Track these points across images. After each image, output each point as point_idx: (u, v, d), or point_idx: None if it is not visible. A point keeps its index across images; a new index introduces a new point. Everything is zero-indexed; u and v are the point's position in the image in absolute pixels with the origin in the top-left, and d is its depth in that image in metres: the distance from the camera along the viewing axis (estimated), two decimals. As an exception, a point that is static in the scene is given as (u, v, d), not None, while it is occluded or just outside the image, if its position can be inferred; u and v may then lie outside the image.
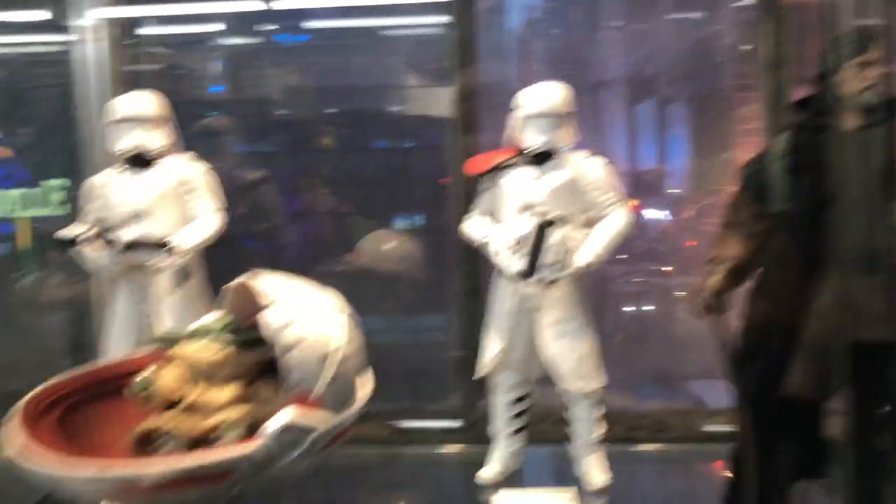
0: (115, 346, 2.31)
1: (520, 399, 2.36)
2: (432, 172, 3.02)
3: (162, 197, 2.31)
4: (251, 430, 1.56)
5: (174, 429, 1.53)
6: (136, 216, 2.27)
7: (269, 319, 1.51)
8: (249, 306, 1.70)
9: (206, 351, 1.61)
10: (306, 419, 1.46)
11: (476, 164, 2.32)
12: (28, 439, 1.42)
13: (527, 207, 2.20)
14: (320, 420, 1.48)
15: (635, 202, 2.55)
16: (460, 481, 2.66)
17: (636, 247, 3.06)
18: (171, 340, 1.70)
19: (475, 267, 2.71)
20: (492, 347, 2.29)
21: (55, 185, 2.73)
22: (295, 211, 3.17)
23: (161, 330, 1.78)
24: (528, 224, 2.10)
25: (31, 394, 1.56)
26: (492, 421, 2.40)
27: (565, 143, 2.24)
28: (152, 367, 1.60)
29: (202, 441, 1.55)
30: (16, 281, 3.04)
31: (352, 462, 2.43)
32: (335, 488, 2.41)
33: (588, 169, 2.24)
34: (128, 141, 2.30)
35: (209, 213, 2.36)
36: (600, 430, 2.32)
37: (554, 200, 2.19)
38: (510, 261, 2.11)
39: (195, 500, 1.44)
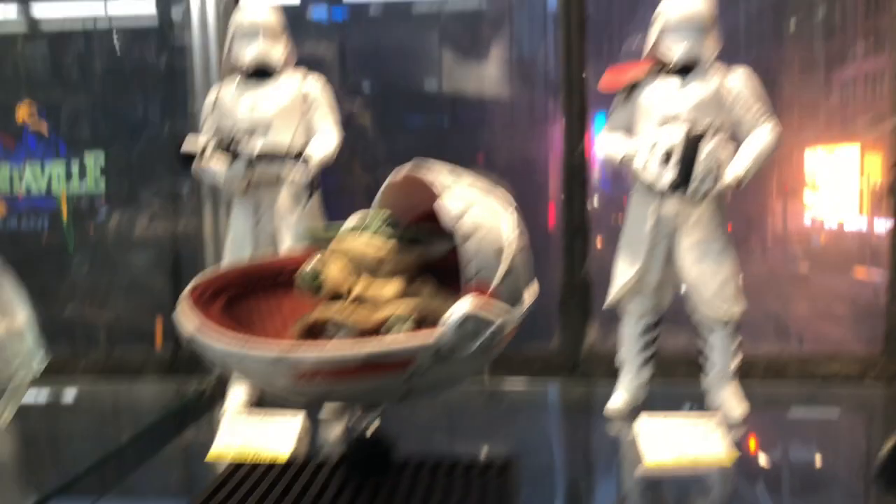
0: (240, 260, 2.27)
1: (650, 327, 2.27)
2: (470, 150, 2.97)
3: (284, 110, 2.24)
4: (418, 325, 1.50)
5: (346, 320, 1.46)
6: (259, 129, 2.21)
7: (448, 205, 1.42)
8: (409, 200, 1.62)
9: (370, 245, 1.53)
10: (486, 310, 1.38)
11: (611, 79, 2.21)
12: (204, 319, 1.37)
13: (669, 120, 2.09)
14: (498, 312, 1.40)
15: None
16: (576, 416, 2.59)
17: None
18: (325, 237, 1.63)
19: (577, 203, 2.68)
20: (625, 272, 2.19)
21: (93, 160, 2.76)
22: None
23: (312, 228, 1.70)
24: (678, 134, 1.98)
25: (193, 283, 1.51)
26: (619, 350, 2.31)
27: (709, 53, 2.13)
28: (317, 259, 1.53)
29: (371, 334, 1.48)
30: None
31: (458, 399, 2.39)
32: (453, 424, 2.36)
33: (733, 82, 2.11)
34: (254, 50, 2.24)
35: (330, 127, 2.30)
36: (737, 359, 2.22)
37: (699, 113, 2.08)
38: (659, 173, 2.00)
39: (369, 391, 1.37)
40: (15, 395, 1.86)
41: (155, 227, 3.03)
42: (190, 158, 2.24)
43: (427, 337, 1.36)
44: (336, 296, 1.49)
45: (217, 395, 2.65)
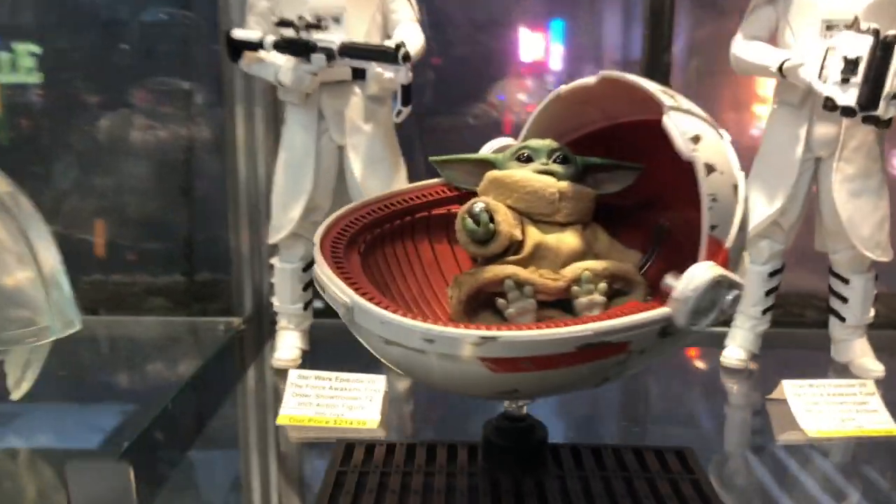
0: (297, 188, 1.85)
1: (776, 272, 1.96)
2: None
3: None
4: (609, 286, 1.15)
5: (534, 281, 1.09)
6: (329, 18, 1.74)
7: (681, 126, 1.05)
8: (565, 123, 1.25)
9: (546, 184, 1.16)
10: (729, 275, 1.04)
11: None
12: (358, 284, 0.99)
13: (836, 25, 1.72)
14: (735, 276, 1.06)
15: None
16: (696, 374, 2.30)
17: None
18: (485, 164, 1.24)
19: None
20: (762, 206, 1.86)
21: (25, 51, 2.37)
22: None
23: (443, 157, 1.29)
24: (864, 41, 1.61)
25: (322, 230, 1.11)
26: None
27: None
28: (483, 198, 1.14)
29: (555, 298, 1.12)
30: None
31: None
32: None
33: None
34: None
35: (412, 18, 1.85)
36: (872, 311, 1.95)
37: (874, 16, 1.70)
38: (834, 90, 1.64)
39: (574, 379, 1.03)
40: (36, 359, 1.46)
41: (155, 132, 2.56)
42: (240, 48, 1.78)
43: (661, 310, 1.01)
44: (503, 243, 1.13)
45: (248, 336, 2.30)
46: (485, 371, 0.95)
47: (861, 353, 1.93)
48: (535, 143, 1.21)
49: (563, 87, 1.21)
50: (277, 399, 1.84)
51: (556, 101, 1.24)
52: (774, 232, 1.89)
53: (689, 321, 1.02)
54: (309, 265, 1.99)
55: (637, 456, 1.33)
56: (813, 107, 1.79)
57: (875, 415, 1.65)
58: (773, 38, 1.87)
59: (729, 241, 1.06)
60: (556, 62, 2.62)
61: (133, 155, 2.58)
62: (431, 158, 1.28)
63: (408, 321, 0.93)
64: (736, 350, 1.98)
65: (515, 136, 1.34)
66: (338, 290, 0.97)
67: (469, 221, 1.10)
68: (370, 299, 0.96)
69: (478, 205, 1.11)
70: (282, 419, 1.64)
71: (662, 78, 2.47)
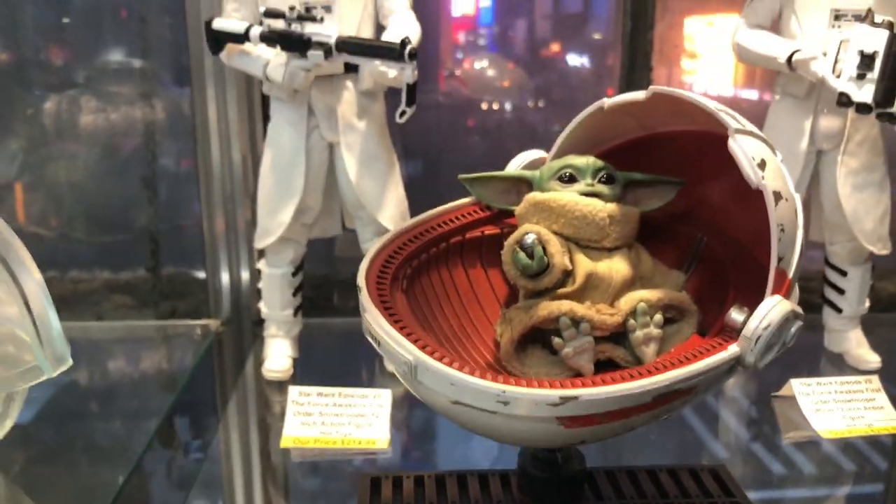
0: (287, 190, 1.73)
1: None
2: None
3: None
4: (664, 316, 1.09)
5: (592, 319, 1.02)
6: (322, 8, 1.60)
7: (749, 151, 0.98)
8: (596, 136, 1.17)
9: (595, 208, 1.08)
10: (795, 309, 0.99)
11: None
12: (424, 343, 0.90)
13: (846, 15, 1.68)
14: (798, 308, 1.02)
15: None
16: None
17: None
18: (525, 183, 1.15)
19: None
20: None
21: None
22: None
23: (471, 175, 1.19)
24: (880, 36, 1.57)
25: (366, 263, 1.02)
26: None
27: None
28: (530, 226, 1.06)
29: (610, 333, 1.06)
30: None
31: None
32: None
33: None
34: None
35: (406, 8, 1.72)
36: (867, 302, 1.96)
37: (883, 6, 1.67)
38: (849, 86, 1.60)
39: (635, 424, 0.97)
40: (19, 393, 1.32)
41: (108, 115, 2.37)
42: (223, 40, 1.63)
43: (731, 349, 0.96)
44: (554, 276, 1.05)
45: (228, 340, 2.18)
46: (557, 428, 0.89)
47: (857, 344, 1.95)
48: (578, 161, 1.13)
49: (608, 101, 1.13)
50: (271, 412, 1.75)
51: (597, 114, 1.16)
52: None
53: (758, 358, 0.97)
54: (298, 269, 1.88)
55: (672, 476, 1.29)
56: (819, 99, 1.76)
57: (882, 412, 1.67)
58: (775, 27, 1.83)
59: (791, 271, 1.01)
60: (487, 16, 2.55)
61: (88, 141, 2.39)
62: (461, 177, 1.19)
63: (481, 382, 0.85)
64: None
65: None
66: (398, 346, 0.88)
67: (522, 256, 1.02)
68: (434, 356, 0.87)
69: (529, 236, 1.02)
70: (286, 441, 1.54)
71: (644, 58, 2.42)
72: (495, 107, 2.56)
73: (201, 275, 2.31)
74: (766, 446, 1.67)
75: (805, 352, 2.07)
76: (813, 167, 1.82)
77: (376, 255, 1.05)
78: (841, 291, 1.93)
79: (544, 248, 1.02)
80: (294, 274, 1.86)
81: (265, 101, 1.96)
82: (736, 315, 0.99)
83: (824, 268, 1.97)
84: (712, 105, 1.03)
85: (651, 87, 1.09)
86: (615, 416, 0.90)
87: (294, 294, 1.88)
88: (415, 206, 1.84)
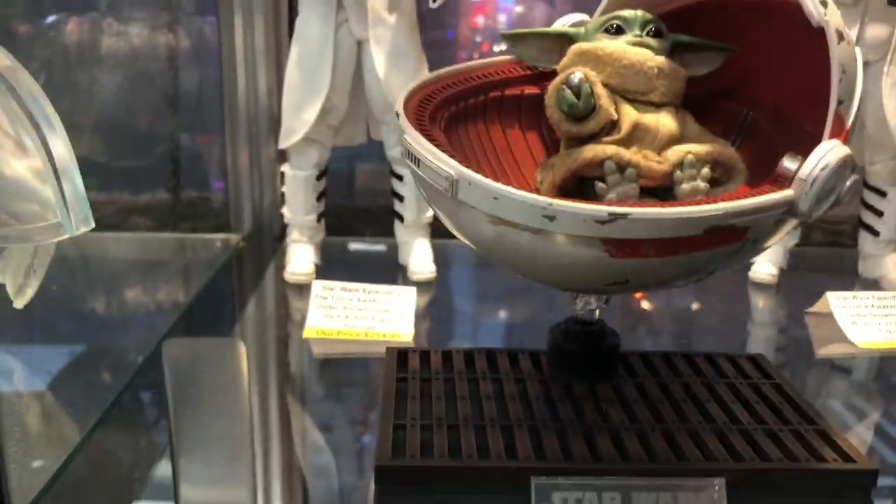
0: (313, 86, 1.68)
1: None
2: None
3: None
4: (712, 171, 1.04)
5: (638, 163, 0.98)
6: None
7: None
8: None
9: (643, 54, 1.03)
10: (851, 157, 0.94)
11: None
12: (461, 158, 0.86)
13: None
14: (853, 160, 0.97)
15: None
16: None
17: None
18: (569, 38, 1.11)
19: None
20: None
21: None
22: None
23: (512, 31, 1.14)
24: None
25: (405, 96, 0.98)
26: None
27: None
28: (580, 69, 1.01)
29: (656, 183, 1.01)
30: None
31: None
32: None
33: None
34: None
35: None
36: (904, 226, 1.90)
37: None
38: None
39: (681, 270, 0.93)
40: (39, 264, 1.29)
41: (131, 39, 2.34)
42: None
43: (786, 192, 0.91)
44: (600, 121, 1.01)
45: (249, 254, 2.15)
46: (602, 256, 0.85)
47: (895, 268, 1.89)
48: (626, 13, 1.08)
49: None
50: (291, 317, 1.72)
51: (643, -30, 1.11)
52: None
53: (813, 205, 0.92)
54: (322, 173, 1.85)
55: (710, 362, 1.25)
56: (867, 7, 1.69)
57: (922, 326, 1.62)
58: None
59: (850, 119, 0.96)
60: None
61: (111, 63, 2.36)
62: (502, 32, 1.14)
63: (529, 195, 0.81)
64: (766, 265, 1.92)
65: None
66: (439, 162, 0.84)
67: (569, 94, 0.98)
68: (477, 172, 0.83)
69: (576, 75, 0.98)
70: (308, 332, 1.51)
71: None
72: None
73: (221, 197, 2.28)
74: (805, 359, 1.63)
75: (838, 281, 2.02)
76: (856, 80, 1.76)
77: (414, 91, 1.01)
78: (879, 214, 1.88)
79: (591, 89, 0.98)
80: (318, 178, 1.83)
81: (292, 13, 1.92)
82: (789, 164, 0.94)
83: (862, 190, 1.91)
84: None
85: None
86: (664, 249, 0.86)
87: (318, 199, 1.85)
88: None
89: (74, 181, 1.22)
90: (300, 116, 1.72)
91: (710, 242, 0.89)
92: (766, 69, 1.16)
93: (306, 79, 1.69)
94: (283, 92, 1.76)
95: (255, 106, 2.16)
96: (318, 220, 1.87)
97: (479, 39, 2.52)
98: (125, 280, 1.94)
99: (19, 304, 1.32)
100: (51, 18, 2.33)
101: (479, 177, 0.82)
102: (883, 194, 1.86)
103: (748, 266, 1.95)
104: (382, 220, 2.08)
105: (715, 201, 0.87)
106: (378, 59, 1.67)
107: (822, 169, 0.91)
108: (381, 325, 1.53)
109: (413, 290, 1.59)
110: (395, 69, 1.68)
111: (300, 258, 1.82)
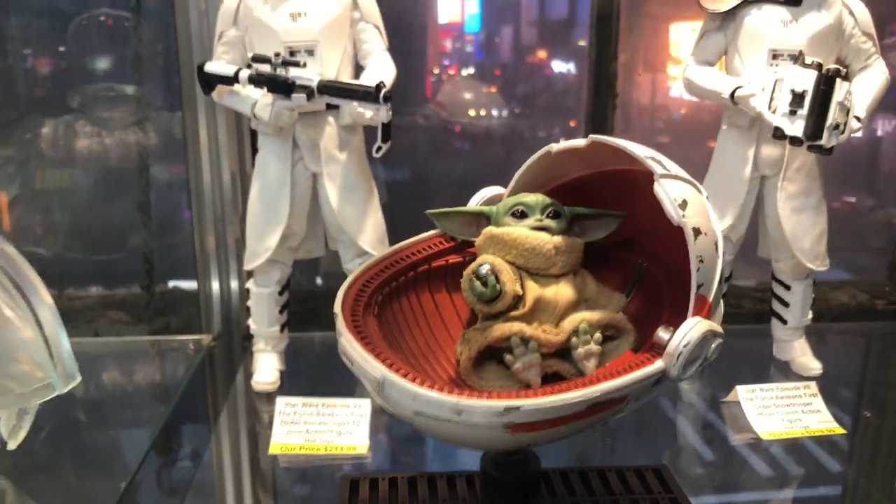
0: (274, 217, 1.87)
1: (726, 279, 2.12)
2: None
3: (333, 25, 1.77)
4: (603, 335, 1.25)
5: (539, 337, 1.18)
6: (305, 52, 1.75)
7: (670, 192, 1.14)
8: (544, 176, 1.33)
9: (542, 241, 1.23)
10: (714, 327, 1.15)
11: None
12: (387, 358, 1.05)
13: (783, 54, 1.85)
14: (718, 327, 1.17)
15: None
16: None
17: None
18: (484, 218, 1.31)
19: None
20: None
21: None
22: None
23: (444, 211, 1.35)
24: (809, 76, 1.74)
25: (342, 293, 1.17)
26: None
27: (825, -21, 1.87)
28: (486, 257, 1.21)
29: (556, 350, 1.21)
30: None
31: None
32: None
33: (855, 11, 1.88)
34: None
35: (382, 51, 1.88)
36: (810, 314, 2.13)
37: (817, 46, 1.84)
38: (782, 121, 1.77)
39: (574, 430, 1.12)
40: (32, 406, 1.46)
41: (102, 139, 2.51)
42: (214, 82, 1.78)
43: (657, 364, 1.12)
44: (507, 300, 1.21)
45: (218, 354, 2.32)
46: (505, 434, 1.04)
47: (801, 353, 2.11)
48: (528, 198, 1.28)
49: (554, 146, 1.29)
50: (260, 422, 1.89)
51: (546, 157, 1.31)
52: (724, 244, 2.04)
53: (681, 372, 1.13)
54: (284, 288, 2.03)
55: (619, 476, 1.45)
56: (760, 130, 1.92)
57: (818, 415, 1.83)
58: (723, 63, 1.99)
59: (711, 296, 1.17)
60: (473, 24, 2.69)
61: (82, 164, 2.53)
62: (428, 212, 1.34)
63: (438, 395, 1.00)
64: None
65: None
66: (368, 365, 1.04)
67: (477, 284, 1.18)
68: (399, 373, 1.03)
69: (483, 267, 1.18)
70: (274, 448, 1.69)
71: (609, 87, 2.58)
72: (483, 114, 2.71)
73: (192, 289, 2.45)
74: (714, 449, 1.84)
75: (757, 359, 2.24)
76: (757, 191, 1.99)
77: (351, 284, 1.20)
78: (786, 304, 2.10)
79: (497, 277, 1.18)
80: (280, 293, 2.01)
81: (253, 131, 2.11)
82: (662, 334, 1.15)
83: (771, 282, 2.13)
84: (642, 152, 1.19)
85: (591, 136, 1.25)
86: (555, 423, 1.06)
87: (280, 311, 2.03)
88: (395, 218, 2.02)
89: (60, 343, 1.40)
90: (263, 243, 1.90)
91: (593, 411, 1.09)
92: (655, 227, 1.37)
93: (267, 210, 1.88)
94: (247, 220, 1.94)
95: (220, 202, 2.34)
96: (282, 329, 2.05)
97: (446, 63, 2.73)
98: (99, 395, 2.10)
99: (13, 445, 1.50)
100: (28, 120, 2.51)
101: (399, 379, 1.02)
102: (787, 287, 2.08)
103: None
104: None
105: (595, 382, 1.07)
106: (332, 192, 1.86)
107: (685, 345, 1.11)
108: (339, 439, 1.70)
109: (368, 402, 1.77)
110: (347, 200, 1.88)
111: (265, 367, 2.00)
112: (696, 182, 1.23)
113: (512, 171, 1.37)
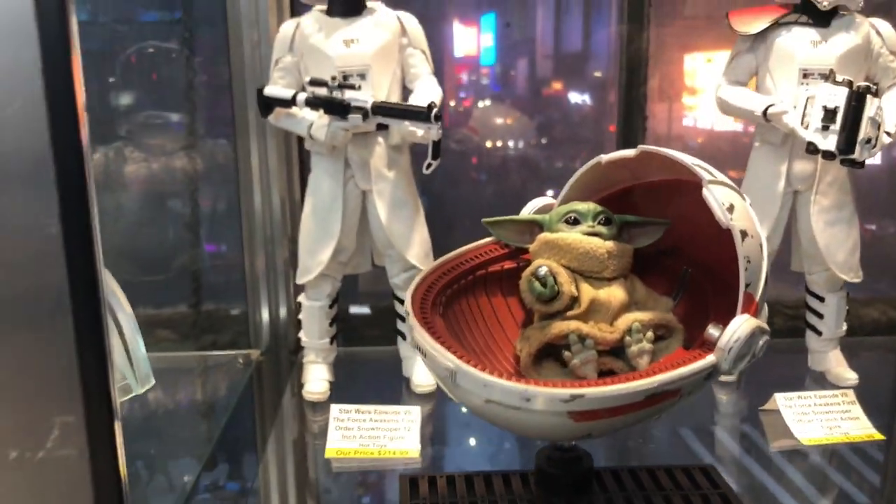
0: (326, 233, 1.96)
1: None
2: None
3: (384, 50, 1.88)
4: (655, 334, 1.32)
5: (594, 335, 1.25)
6: (355, 74, 1.86)
7: (721, 198, 1.21)
8: (594, 187, 1.41)
9: (596, 245, 1.31)
10: (762, 325, 1.21)
11: (744, 20, 2.01)
12: (457, 351, 1.13)
13: (814, 72, 1.93)
14: (765, 325, 1.24)
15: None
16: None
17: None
18: (538, 225, 1.39)
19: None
20: None
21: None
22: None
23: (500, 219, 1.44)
24: (841, 93, 1.82)
25: (411, 293, 1.25)
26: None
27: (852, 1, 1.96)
28: (543, 261, 1.29)
29: (610, 347, 1.28)
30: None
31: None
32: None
33: (882, 31, 1.96)
34: None
35: (429, 74, 1.97)
36: (844, 326, 2.17)
37: (846, 65, 1.92)
38: (815, 136, 1.84)
39: (632, 421, 1.19)
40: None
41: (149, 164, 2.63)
42: (272, 105, 1.89)
43: (709, 358, 1.18)
44: (564, 301, 1.28)
45: (267, 368, 2.40)
46: (568, 422, 1.11)
47: (836, 364, 2.16)
48: (580, 206, 1.36)
49: (605, 157, 1.37)
50: (309, 430, 1.96)
51: (596, 167, 1.40)
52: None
53: (732, 366, 1.19)
54: (334, 301, 2.11)
55: (669, 474, 1.50)
56: (793, 146, 1.99)
57: (857, 421, 1.88)
58: (755, 83, 2.07)
59: (758, 294, 1.24)
60: (489, 56, 2.77)
61: (137, 188, 2.64)
62: (484, 220, 1.43)
63: (508, 383, 1.08)
64: None
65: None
66: (441, 356, 1.11)
67: (537, 284, 1.26)
68: (470, 363, 1.10)
69: (542, 268, 1.26)
70: (329, 452, 1.76)
71: (640, 108, 2.67)
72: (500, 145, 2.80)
73: (239, 311, 2.54)
74: (755, 454, 1.88)
75: (792, 371, 2.29)
76: (790, 206, 2.05)
77: (418, 285, 1.28)
78: (820, 316, 2.15)
79: (555, 279, 1.26)
80: (331, 306, 2.09)
81: (302, 152, 2.21)
82: (713, 331, 1.22)
83: (805, 295, 2.19)
84: (689, 160, 1.27)
85: (640, 146, 1.33)
86: (615, 412, 1.12)
87: (331, 324, 2.11)
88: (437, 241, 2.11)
89: (138, 347, 1.49)
90: (315, 258, 1.99)
91: (650, 403, 1.15)
92: (698, 234, 1.44)
93: (320, 226, 1.97)
94: (300, 237, 2.03)
95: (270, 224, 2.43)
96: (331, 342, 2.13)
97: (462, 95, 2.82)
98: (155, 408, 2.18)
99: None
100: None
101: (472, 369, 1.09)
102: (822, 299, 2.14)
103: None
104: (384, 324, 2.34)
105: (652, 374, 1.14)
106: (381, 208, 1.95)
107: (736, 340, 1.18)
108: (391, 444, 1.77)
109: (418, 409, 1.84)
110: (395, 216, 1.97)
111: (315, 378, 2.07)
112: (739, 189, 1.31)
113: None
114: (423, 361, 1.16)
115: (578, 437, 1.22)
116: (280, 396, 2.21)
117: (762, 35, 2.00)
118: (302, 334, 2.13)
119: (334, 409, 1.84)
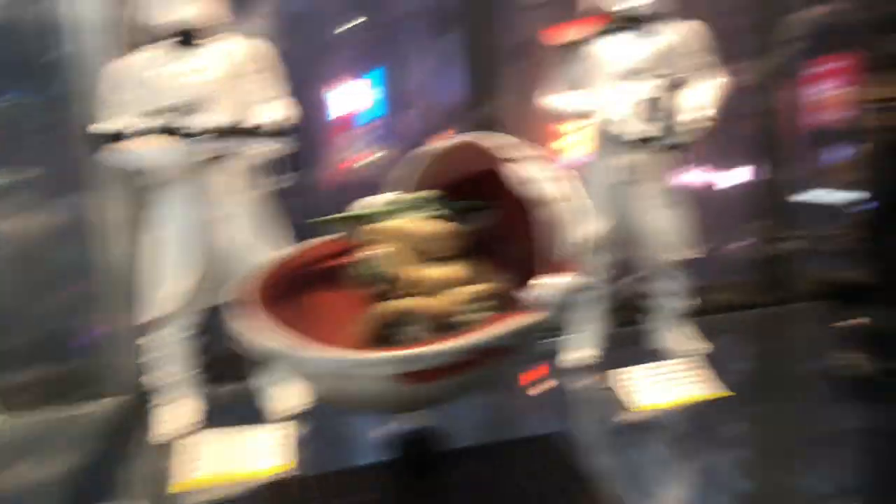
0: (178, 259, 1.95)
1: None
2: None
3: (225, 79, 1.90)
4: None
5: (423, 308, 1.30)
6: (197, 103, 1.86)
7: (531, 173, 1.30)
8: (453, 173, 1.49)
9: (427, 226, 1.38)
10: (576, 280, 1.30)
11: (560, 35, 2.19)
12: (286, 332, 1.16)
13: (634, 73, 2.11)
14: (581, 282, 1.33)
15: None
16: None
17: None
18: (365, 218, 1.44)
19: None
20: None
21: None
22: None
23: (358, 207, 1.46)
24: (655, 86, 2.01)
25: (238, 288, 1.27)
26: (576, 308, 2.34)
27: (664, 5, 2.16)
28: (373, 248, 1.34)
29: (446, 324, 1.34)
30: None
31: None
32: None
33: (687, 33, 2.17)
34: (175, 11, 1.87)
35: (278, 95, 1.96)
36: (687, 302, 2.34)
37: (662, 64, 2.11)
38: (634, 126, 2.02)
39: (464, 385, 1.25)
40: None
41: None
42: (104, 141, 1.87)
43: (535, 316, 1.26)
44: (401, 285, 1.34)
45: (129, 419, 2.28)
46: (398, 386, 1.15)
47: (680, 339, 2.32)
48: (419, 194, 1.44)
49: (419, 149, 1.45)
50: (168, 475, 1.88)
51: (420, 161, 1.48)
52: (602, 248, 2.24)
53: (550, 322, 1.27)
54: (194, 335, 2.07)
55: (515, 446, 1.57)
56: (618, 140, 2.15)
57: (704, 384, 2.04)
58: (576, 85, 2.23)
59: (571, 257, 1.32)
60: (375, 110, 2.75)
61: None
62: (309, 221, 1.47)
63: (333, 355, 1.11)
64: (576, 352, 2.33)
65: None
66: (261, 340, 1.14)
67: (368, 268, 1.31)
68: (290, 343, 1.13)
69: (373, 252, 1.31)
70: (179, 486, 1.72)
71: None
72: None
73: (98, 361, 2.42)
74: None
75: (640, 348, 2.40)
76: (619, 197, 2.21)
77: (243, 282, 1.30)
78: (660, 294, 2.31)
79: (385, 261, 1.31)
80: (189, 339, 2.05)
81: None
82: (533, 291, 1.29)
83: (644, 278, 2.34)
84: (488, 142, 1.36)
85: (456, 136, 1.42)
86: (448, 372, 1.17)
87: (190, 360, 2.07)
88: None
89: None
90: (168, 290, 1.95)
91: (475, 364, 1.20)
92: (521, 219, 1.54)
93: (173, 257, 1.94)
94: (149, 270, 1.98)
95: (128, 276, 2.32)
96: (192, 379, 2.09)
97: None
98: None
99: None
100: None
101: (293, 349, 1.12)
102: (660, 280, 2.29)
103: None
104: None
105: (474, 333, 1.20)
106: (238, 232, 1.96)
107: (553, 294, 1.26)
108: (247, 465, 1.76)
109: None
110: (254, 239, 1.98)
111: (171, 417, 2.04)
112: (548, 160, 1.41)
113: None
114: (245, 347, 1.17)
115: (415, 407, 1.26)
116: (141, 442, 2.10)
117: (583, 43, 2.17)
118: (157, 373, 2.06)
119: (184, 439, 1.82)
